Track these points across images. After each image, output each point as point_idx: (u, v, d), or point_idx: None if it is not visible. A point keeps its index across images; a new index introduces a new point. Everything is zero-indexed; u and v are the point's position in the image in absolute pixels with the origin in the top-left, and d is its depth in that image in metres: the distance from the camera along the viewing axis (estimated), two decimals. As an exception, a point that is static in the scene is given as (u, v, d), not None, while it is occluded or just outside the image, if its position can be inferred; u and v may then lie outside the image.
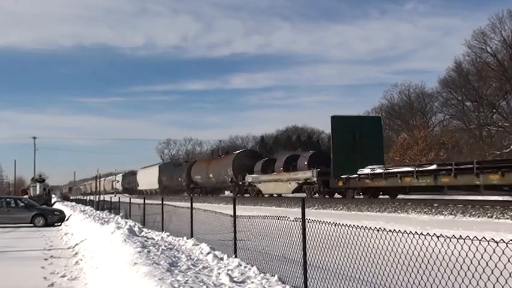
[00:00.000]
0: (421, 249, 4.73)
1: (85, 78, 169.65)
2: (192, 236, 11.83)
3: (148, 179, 71.51)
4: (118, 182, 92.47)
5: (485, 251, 3.84)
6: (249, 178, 40.18)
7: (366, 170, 25.78)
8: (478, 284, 3.96)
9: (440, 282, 4.37)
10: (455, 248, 4.07)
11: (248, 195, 40.91)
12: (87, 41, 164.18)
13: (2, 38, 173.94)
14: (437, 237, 4.39)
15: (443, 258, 4.43)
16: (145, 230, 14.66)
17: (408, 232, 4.62)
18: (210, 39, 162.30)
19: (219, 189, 50.49)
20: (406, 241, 4.66)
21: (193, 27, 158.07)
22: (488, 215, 16.48)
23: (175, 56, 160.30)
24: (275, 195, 37.46)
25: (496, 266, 3.76)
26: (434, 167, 22.68)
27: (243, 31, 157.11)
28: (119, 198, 32.00)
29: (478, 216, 16.64)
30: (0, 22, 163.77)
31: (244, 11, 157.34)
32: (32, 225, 23.52)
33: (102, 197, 46.71)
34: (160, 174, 66.43)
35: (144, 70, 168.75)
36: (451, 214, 17.83)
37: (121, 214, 23.36)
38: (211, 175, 48.34)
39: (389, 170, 24.88)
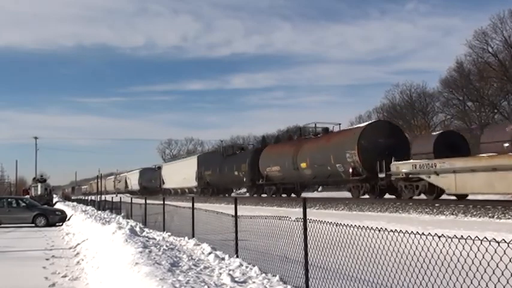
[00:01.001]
0: (422, 250, 4.73)
1: (85, 78, 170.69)
2: (193, 236, 11.83)
3: (180, 175, 56.51)
4: (130, 179, 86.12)
5: (486, 251, 3.84)
6: (402, 167, 22.82)
7: None
8: (479, 284, 3.96)
9: (441, 283, 4.36)
10: (456, 248, 4.06)
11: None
12: (87, 41, 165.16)
13: (2, 38, 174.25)
14: (439, 237, 4.39)
15: (445, 259, 4.42)
16: (146, 230, 14.66)
17: (409, 232, 4.62)
18: (210, 39, 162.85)
19: (308, 187, 36.25)
20: (408, 241, 4.66)
21: (193, 27, 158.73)
22: (490, 215, 16.44)
23: (175, 56, 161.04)
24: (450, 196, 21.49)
25: (497, 266, 3.76)
26: None
27: (243, 31, 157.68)
28: (120, 198, 31.94)
29: (480, 216, 16.60)
30: (0, 22, 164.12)
31: (244, 11, 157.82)
32: (33, 225, 23.56)
33: (103, 197, 46.75)
34: (200, 168, 50.30)
35: (144, 70, 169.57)
36: (452, 214, 17.78)
37: (122, 214, 23.39)
38: (303, 165, 32.02)
39: None
